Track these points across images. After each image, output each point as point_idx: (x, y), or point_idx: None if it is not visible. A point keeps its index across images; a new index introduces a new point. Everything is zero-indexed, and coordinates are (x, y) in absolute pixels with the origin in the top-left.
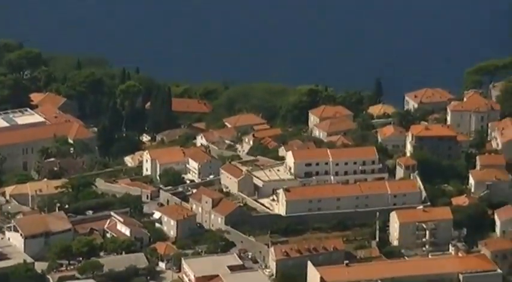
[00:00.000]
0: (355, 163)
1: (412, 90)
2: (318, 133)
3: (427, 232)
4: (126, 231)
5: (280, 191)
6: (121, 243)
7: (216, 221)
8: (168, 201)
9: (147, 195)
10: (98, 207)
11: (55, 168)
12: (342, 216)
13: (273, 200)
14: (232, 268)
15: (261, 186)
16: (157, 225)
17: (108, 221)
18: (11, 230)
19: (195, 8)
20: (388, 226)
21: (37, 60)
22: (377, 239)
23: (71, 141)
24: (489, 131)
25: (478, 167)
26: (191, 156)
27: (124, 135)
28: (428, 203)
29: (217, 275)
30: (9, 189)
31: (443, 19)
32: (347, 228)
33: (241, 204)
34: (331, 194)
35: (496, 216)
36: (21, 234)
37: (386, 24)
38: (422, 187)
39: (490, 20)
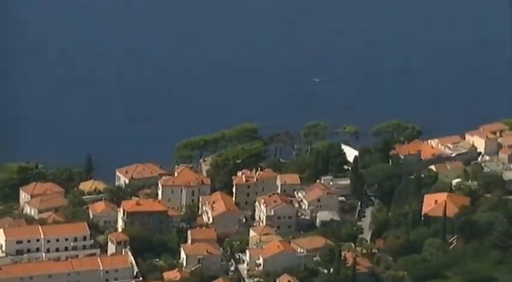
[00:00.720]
0: (66, 240)
1: (123, 165)
2: (29, 210)
3: None
4: None
5: None
6: None
7: None
8: None
9: None
10: None
11: None
12: None
13: None
14: None
15: None
16: None
17: None
18: None
19: None
20: None
21: None
22: None
23: None
24: (200, 205)
25: (189, 241)
26: None
27: None
28: (140, 278)
29: None
30: None
31: (156, 95)
32: None
33: None
34: (42, 271)
35: None
36: None
37: (97, 102)
38: (134, 262)
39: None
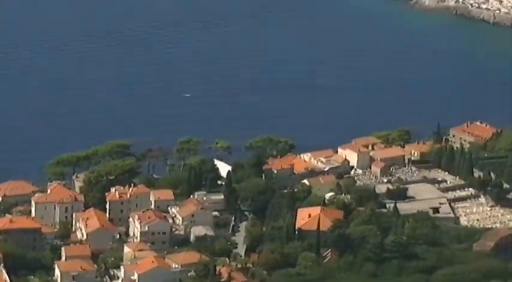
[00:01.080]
0: None
1: None
2: None
3: None
4: None
5: None
6: None
7: None
8: None
9: None
10: None
11: None
12: None
13: None
14: None
15: None
16: None
17: None
18: None
19: None
20: None
21: None
22: None
23: None
24: (74, 221)
25: (63, 258)
26: None
27: None
28: None
29: None
30: None
31: (26, 112)
32: None
33: None
34: None
35: None
36: None
37: None
38: (8, 280)
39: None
